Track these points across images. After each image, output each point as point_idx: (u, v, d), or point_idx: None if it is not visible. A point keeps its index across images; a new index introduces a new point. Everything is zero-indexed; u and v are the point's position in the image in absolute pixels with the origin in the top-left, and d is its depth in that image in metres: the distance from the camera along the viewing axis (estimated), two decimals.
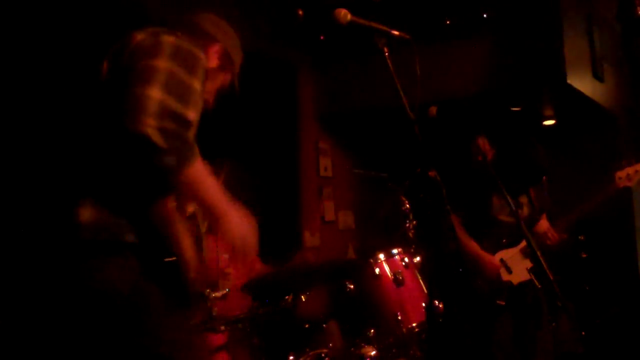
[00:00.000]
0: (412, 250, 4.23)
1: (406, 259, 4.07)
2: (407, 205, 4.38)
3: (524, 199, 4.71)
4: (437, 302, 3.87)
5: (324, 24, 5.75)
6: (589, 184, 4.95)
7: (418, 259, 4.18)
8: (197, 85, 2.16)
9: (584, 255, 7.09)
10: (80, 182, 2.10)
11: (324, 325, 3.97)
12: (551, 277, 3.18)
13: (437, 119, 4.26)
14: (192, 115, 2.11)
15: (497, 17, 5.99)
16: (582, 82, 6.30)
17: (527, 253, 4.52)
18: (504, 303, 4.53)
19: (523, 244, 4.57)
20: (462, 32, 6.16)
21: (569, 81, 5.82)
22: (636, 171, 4.54)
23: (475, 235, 4.60)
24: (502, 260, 4.58)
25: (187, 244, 2.16)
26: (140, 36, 2.21)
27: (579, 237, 7.10)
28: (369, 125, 6.93)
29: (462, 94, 6.15)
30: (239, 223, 2.26)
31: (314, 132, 6.89)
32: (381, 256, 4.04)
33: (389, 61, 2.68)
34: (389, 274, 3.98)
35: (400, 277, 3.96)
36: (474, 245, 4.58)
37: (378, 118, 6.43)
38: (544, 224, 4.65)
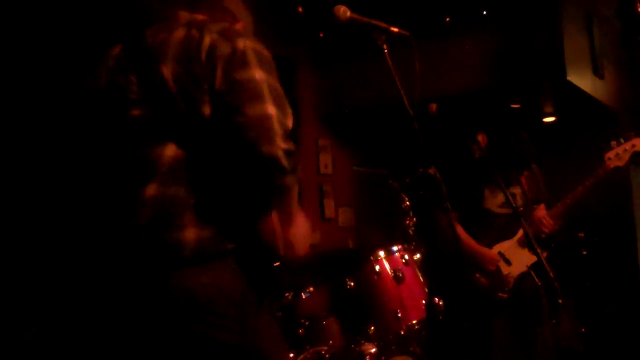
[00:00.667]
0: (412, 247, 4.23)
1: (406, 256, 4.08)
2: (407, 203, 4.38)
3: (516, 190, 4.71)
4: (437, 300, 3.89)
5: (323, 21, 5.75)
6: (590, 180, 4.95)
7: (418, 256, 4.18)
8: (281, 88, 2.13)
9: (584, 252, 7.10)
10: (184, 202, 2.05)
11: (324, 323, 3.97)
12: (551, 274, 3.18)
13: (437, 116, 4.27)
14: (291, 123, 2.10)
15: (497, 14, 5.98)
16: (582, 79, 6.29)
17: (524, 243, 4.53)
18: (506, 296, 4.54)
19: (519, 234, 4.58)
20: (462, 29, 6.15)
21: (569, 78, 5.82)
22: (625, 150, 4.56)
23: (470, 229, 4.61)
24: (500, 253, 4.59)
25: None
26: (207, 39, 2.08)
27: (579, 234, 7.11)
28: (369, 123, 6.93)
29: (462, 91, 6.14)
30: (304, 224, 2.34)
31: (313, 130, 6.89)
32: (381, 253, 4.04)
33: (388, 58, 2.68)
34: (389, 271, 3.98)
35: (400, 275, 3.97)
36: (471, 241, 4.59)
37: (378, 115, 6.43)
38: (538, 212, 4.64)
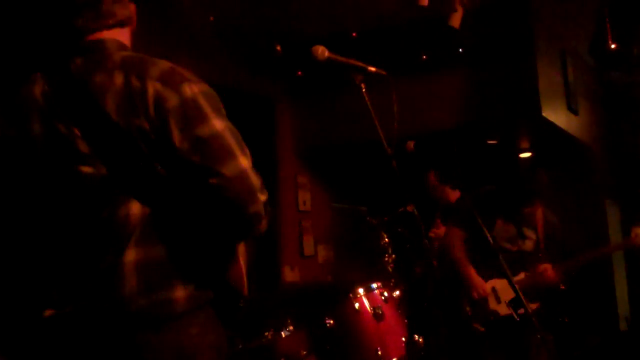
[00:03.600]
0: (391, 284, 4.23)
1: (385, 293, 4.07)
2: (386, 239, 4.39)
3: (531, 234, 4.72)
4: (417, 337, 3.87)
5: (302, 59, 5.80)
6: (566, 215, 5.00)
7: (397, 292, 4.18)
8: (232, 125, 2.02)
9: (563, 288, 7.12)
10: (166, 262, 1.96)
11: None
12: (529, 311, 3.19)
13: (415, 153, 4.30)
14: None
15: (473, 52, 6.06)
16: (557, 115, 6.38)
17: (522, 288, 4.54)
18: (482, 329, 4.53)
19: (520, 276, 4.59)
20: (439, 67, 6.22)
21: (544, 114, 5.89)
22: None
23: (475, 257, 4.61)
24: (493, 288, 4.59)
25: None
26: (151, 90, 1.91)
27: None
28: (348, 160, 6.96)
29: (440, 128, 6.20)
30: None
31: (292, 167, 6.90)
32: (360, 291, 4.03)
33: (366, 96, 2.71)
34: (368, 309, 3.96)
35: (380, 312, 3.95)
36: (468, 267, 4.59)
37: (356, 152, 6.46)
38: (544, 265, 4.65)
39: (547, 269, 4.58)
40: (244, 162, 1.93)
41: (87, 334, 1.93)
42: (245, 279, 2.22)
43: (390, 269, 4.36)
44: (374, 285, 4.09)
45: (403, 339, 3.92)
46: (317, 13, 5.74)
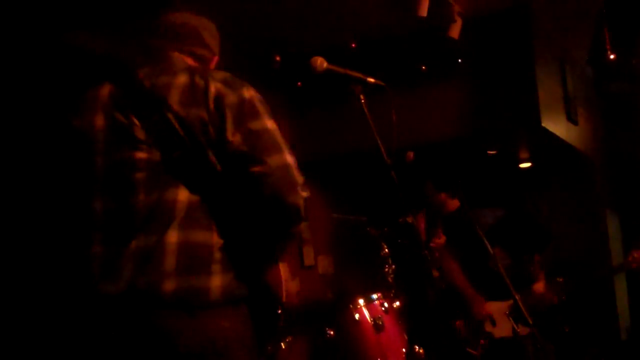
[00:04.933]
0: (391, 295, 4.22)
1: (386, 304, 4.06)
2: (386, 250, 4.38)
3: (526, 257, 4.73)
4: (417, 348, 3.87)
5: (301, 71, 5.81)
6: (566, 226, 5.00)
7: (398, 303, 4.17)
8: None
9: (563, 298, 7.11)
10: (207, 248, 2.05)
11: None
12: (530, 321, 3.18)
13: (414, 164, 4.30)
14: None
15: (473, 63, 6.07)
16: (557, 125, 6.38)
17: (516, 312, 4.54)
18: (476, 353, 4.52)
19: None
20: (438, 78, 6.23)
21: (543, 124, 5.90)
22: None
23: (471, 280, 4.61)
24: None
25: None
26: (213, 88, 2.06)
27: (558, 279, 7.13)
28: (347, 170, 6.96)
29: (439, 139, 6.20)
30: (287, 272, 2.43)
31: None
32: (361, 301, 4.02)
33: (365, 108, 2.71)
34: (368, 320, 3.95)
35: (380, 323, 3.94)
36: (468, 289, 4.59)
37: (356, 163, 6.46)
38: (539, 285, 4.65)
39: (545, 291, 4.58)
40: (289, 158, 2.08)
41: (123, 312, 1.99)
42: (284, 288, 2.31)
43: (390, 280, 4.35)
44: (374, 296, 4.08)
45: (403, 349, 3.91)
46: (316, 24, 5.76)
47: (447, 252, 4.77)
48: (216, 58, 2.44)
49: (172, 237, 2.00)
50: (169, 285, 1.97)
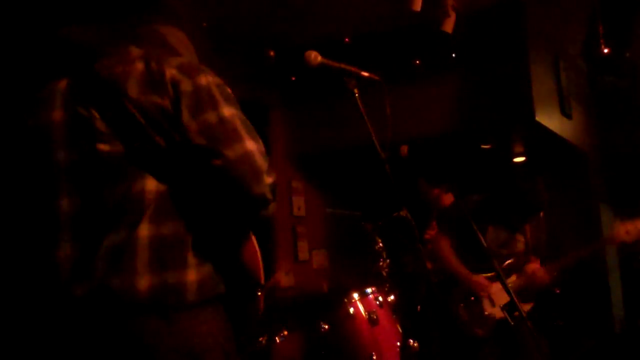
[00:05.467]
0: (386, 288, 4.23)
1: (380, 298, 4.06)
2: (380, 244, 4.39)
3: (520, 237, 4.73)
4: (411, 341, 3.87)
5: (295, 65, 5.81)
6: (560, 220, 5.01)
7: (392, 297, 4.17)
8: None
9: (557, 291, 7.13)
10: (180, 240, 1.98)
11: None
12: (524, 315, 3.18)
13: (408, 158, 4.31)
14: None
15: (466, 57, 6.07)
16: (551, 120, 6.39)
17: (516, 290, 4.55)
18: (481, 333, 4.53)
19: (512, 278, 4.59)
20: (432, 72, 6.23)
21: (537, 119, 5.90)
22: (636, 227, 4.60)
23: (466, 262, 4.62)
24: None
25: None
26: (168, 73, 2.00)
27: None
28: (342, 165, 6.96)
29: (433, 133, 6.21)
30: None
31: (286, 172, 6.90)
32: (355, 295, 4.02)
33: (359, 101, 2.71)
34: (363, 314, 3.96)
35: (375, 317, 3.95)
36: (462, 268, 4.59)
37: (350, 157, 6.46)
38: (533, 265, 4.66)
39: (538, 270, 4.59)
40: (250, 145, 1.98)
41: (95, 315, 1.90)
42: (261, 267, 2.24)
43: (384, 274, 4.36)
44: (369, 290, 4.08)
45: (398, 343, 3.92)
46: (309, 18, 5.75)
47: (439, 236, 4.77)
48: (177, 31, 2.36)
49: (144, 230, 1.94)
50: (143, 283, 1.90)
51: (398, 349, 3.89)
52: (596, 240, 4.70)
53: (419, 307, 4.92)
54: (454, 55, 6.11)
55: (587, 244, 4.75)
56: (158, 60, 2.03)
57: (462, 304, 4.59)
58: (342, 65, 2.72)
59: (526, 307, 4.49)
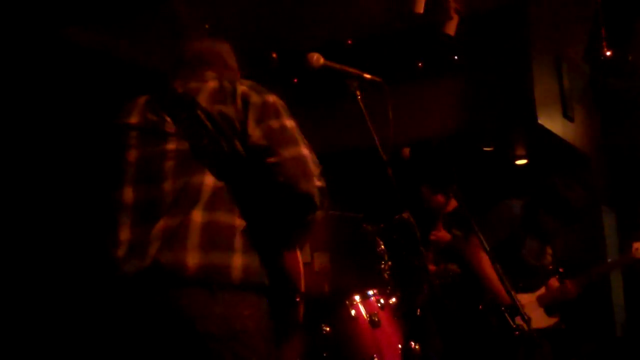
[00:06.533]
0: (387, 291, 4.21)
1: (382, 300, 4.05)
2: (382, 246, 4.38)
3: (549, 249, 4.72)
4: (413, 344, 3.87)
5: (297, 67, 5.81)
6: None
7: (394, 300, 4.16)
8: None
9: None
10: (230, 228, 2.16)
11: None
12: (525, 317, 3.18)
13: (410, 160, 4.29)
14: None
15: (468, 59, 6.07)
16: (553, 122, 6.39)
17: (543, 301, 4.54)
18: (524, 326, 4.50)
19: (540, 291, 4.58)
20: (434, 74, 6.23)
21: (539, 121, 5.90)
22: None
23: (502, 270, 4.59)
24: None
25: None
26: (240, 89, 2.27)
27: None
28: (344, 167, 6.95)
29: (435, 135, 6.20)
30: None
31: None
32: (357, 298, 4.02)
33: (361, 104, 2.71)
34: (364, 316, 3.95)
35: (376, 319, 3.94)
36: (494, 275, 4.58)
37: (352, 159, 6.46)
38: (555, 281, 4.67)
39: (567, 284, 4.59)
40: (304, 151, 2.21)
41: (146, 289, 2.08)
42: (302, 276, 2.41)
43: (386, 276, 4.34)
44: (371, 292, 4.07)
45: (399, 346, 3.91)
46: (312, 21, 5.75)
47: (475, 241, 4.74)
48: (238, 74, 2.67)
49: (197, 216, 2.12)
50: (192, 259, 2.06)
51: (399, 352, 3.88)
52: (622, 256, 4.73)
53: (418, 310, 4.91)
54: (456, 57, 6.10)
55: (613, 261, 4.76)
56: (231, 80, 2.33)
57: (494, 310, 4.56)
58: (345, 68, 2.73)
59: (552, 321, 4.48)
